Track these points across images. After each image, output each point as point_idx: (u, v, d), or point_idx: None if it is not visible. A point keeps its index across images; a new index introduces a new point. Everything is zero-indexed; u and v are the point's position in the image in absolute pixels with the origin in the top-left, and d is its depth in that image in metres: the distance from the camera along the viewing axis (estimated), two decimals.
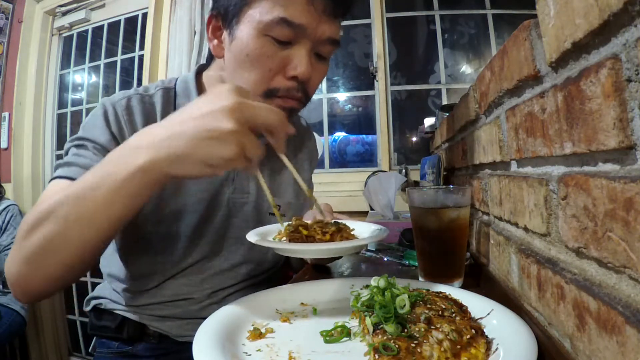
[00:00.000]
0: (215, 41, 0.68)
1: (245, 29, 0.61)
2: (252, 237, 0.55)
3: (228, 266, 0.75)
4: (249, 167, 0.45)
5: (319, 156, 1.05)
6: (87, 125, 0.66)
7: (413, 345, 0.35)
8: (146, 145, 0.43)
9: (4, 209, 2.01)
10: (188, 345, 0.38)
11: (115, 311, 0.73)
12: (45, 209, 0.48)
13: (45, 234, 0.47)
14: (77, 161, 0.60)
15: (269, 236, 0.61)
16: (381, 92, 1.94)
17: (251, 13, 0.60)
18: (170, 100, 0.71)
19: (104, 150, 0.62)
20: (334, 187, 1.85)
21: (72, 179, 0.57)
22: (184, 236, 0.71)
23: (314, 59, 0.64)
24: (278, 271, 0.89)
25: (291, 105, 0.65)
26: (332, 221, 0.58)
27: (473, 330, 0.38)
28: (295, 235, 0.54)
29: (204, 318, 0.44)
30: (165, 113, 0.69)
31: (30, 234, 0.48)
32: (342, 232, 0.55)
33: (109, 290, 0.76)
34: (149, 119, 0.68)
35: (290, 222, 0.57)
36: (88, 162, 0.59)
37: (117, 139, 0.65)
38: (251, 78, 0.62)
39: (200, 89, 0.74)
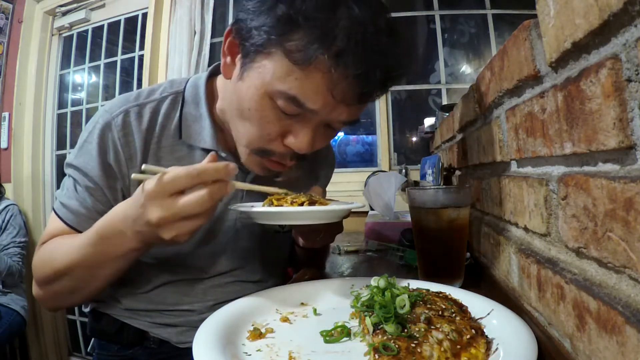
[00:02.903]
0: (229, 59, 0.59)
1: (254, 80, 0.54)
2: (234, 205, 0.58)
3: (232, 283, 0.73)
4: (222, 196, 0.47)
5: (334, 166, 1.05)
6: (84, 148, 0.64)
7: (413, 345, 0.35)
8: (129, 234, 0.51)
9: (4, 208, 2.01)
10: (189, 351, 0.37)
11: (115, 315, 0.72)
12: (61, 268, 0.58)
13: (67, 285, 0.60)
14: (71, 206, 0.64)
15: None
16: None
17: (265, 65, 0.52)
18: (177, 107, 0.67)
19: (95, 187, 0.63)
20: (334, 187, 1.84)
21: (66, 223, 0.64)
22: (182, 257, 0.69)
23: (321, 129, 0.58)
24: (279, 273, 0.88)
25: (279, 169, 0.63)
26: (308, 195, 0.57)
27: (473, 330, 0.38)
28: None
29: None
30: (165, 123, 0.66)
31: (52, 283, 0.60)
32: (315, 205, 0.55)
33: (108, 293, 0.75)
34: (147, 136, 0.65)
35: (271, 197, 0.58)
36: (78, 208, 0.64)
37: (112, 169, 0.63)
38: (248, 134, 0.58)
39: (212, 96, 0.68)
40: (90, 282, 0.60)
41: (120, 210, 0.52)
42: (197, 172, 0.44)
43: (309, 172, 0.84)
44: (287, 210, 0.52)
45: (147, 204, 0.46)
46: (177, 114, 0.67)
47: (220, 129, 0.68)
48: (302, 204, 0.53)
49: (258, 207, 0.54)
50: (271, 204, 0.55)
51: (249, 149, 0.60)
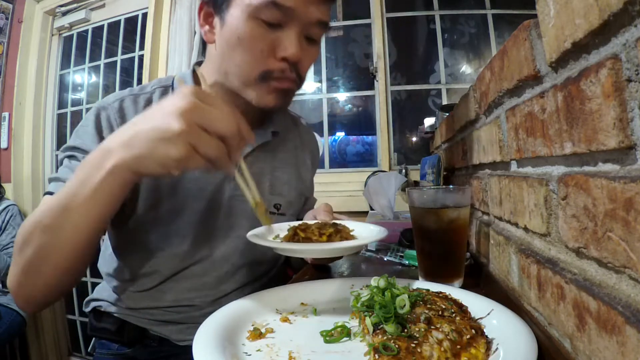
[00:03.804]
0: (207, 27, 0.68)
1: (235, 13, 0.61)
2: (252, 236, 0.56)
3: (229, 267, 0.74)
4: (215, 167, 0.45)
5: (319, 157, 1.05)
6: (80, 131, 0.66)
7: (413, 345, 0.35)
8: (114, 147, 0.46)
9: (4, 209, 2.01)
10: (189, 349, 0.38)
11: (115, 314, 0.73)
12: (32, 222, 0.52)
13: (37, 244, 0.51)
14: (67, 177, 0.61)
15: (268, 236, 0.61)
16: (381, 92, 1.94)
17: None
18: (168, 97, 0.71)
19: None
20: (334, 187, 1.85)
21: None
22: (182, 235, 0.70)
23: (304, 42, 0.64)
24: (278, 272, 0.88)
25: (287, 87, 0.66)
26: (332, 222, 0.58)
27: (473, 330, 0.38)
28: (294, 237, 0.55)
29: None
30: None
31: (23, 248, 0.52)
32: (340, 233, 0.55)
33: (109, 292, 0.76)
34: None
35: (293, 224, 0.58)
36: None
37: None
38: (244, 60, 0.63)
39: (198, 85, 0.73)
40: (60, 235, 0.50)
41: (120, 129, 0.48)
42: (232, 109, 0.45)
43: (294, 155, 0.87)
44: (314, 248, 0.53)
45: (180, 95, 0.43)
46: None
47: None
48: (329, 235, 0.54)
49: (291, 245, 0.54)
50: (295, 233, 0.55)
51: (252, 78, 0.64)
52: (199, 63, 0.78)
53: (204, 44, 0.78)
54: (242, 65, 0.63)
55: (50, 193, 0.61)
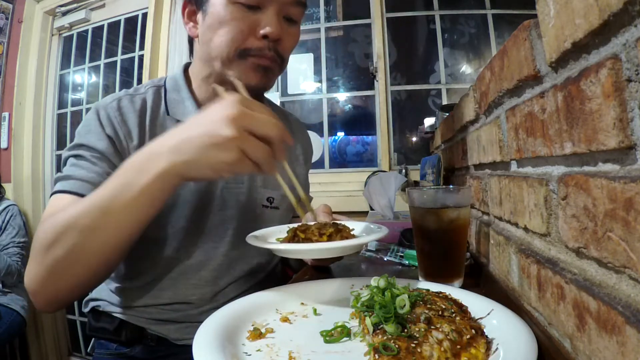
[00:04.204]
0: (191, 24, 0.73)
1: (216, 2, 0.66)
2: (251, 238, 0.55)
3: (223, 259, 0.75)
4: (261, 170, 0.47)
5: (319, 157, 1.06)
6: (82, 131, 0.68)
7: (413, 345, 0.35)
8: (163, 151, 0.47)
9: (4, 209, 2.01)
10: (187, 348, 0.38)
11: (114, 314, 0.73)
12: (65, 221, 0.50)
13: (69, 245, 0.50)
14: (76, 174, 0.62)
15: (269, 238, 0.61)
16: (381, 92, 1.94)
17: None
18: (161, 96, 0.75)
19: (102, 157, 0.65)
20: (334, 187, 1.85)
21: (72, 192, 0.60)
22: (177, 229, 0.71)
23: (284, 22, 0.68)
24: (277, 270, 0.88)
25: (265, 64, 0.68)
26: (331, 222, 0.58)
27: (473, 330, 0.38)
28: (294, 238, 0.55)
29: None
30: (155, 107, 0.73)
31: (52, 247, 0.51)
32: (341, 233, 0.55)
33: (107, 292, 0.76)
34: (141, 115, 0.71)
35: (292, 226, 0.58)
36: (86, 174, 0.62)
37: (113, 141, 0.67)
38: (224, 39, 0.66)
39: (189, 83, 0.77)
40: (99, 236, 0.50)
41: (165, 135, 0.49)
42: (272, 113, 0.47)
43: (286, 149, 0.87)
44: (313, 248, 0.53)
45: (227, 103, 0.45)
46: (163, 101, 0.74)
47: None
48: (329, 235, 0.54)
49: (291, 245, 0.54)
50: (295, 234, 0.55)
51: (230, 56, 0.66)
52: (189, 63, 0.81)
53: (191, 47, 0.80)
54: (222, 44, 0.66)
55: (60, 192, 0.60)
